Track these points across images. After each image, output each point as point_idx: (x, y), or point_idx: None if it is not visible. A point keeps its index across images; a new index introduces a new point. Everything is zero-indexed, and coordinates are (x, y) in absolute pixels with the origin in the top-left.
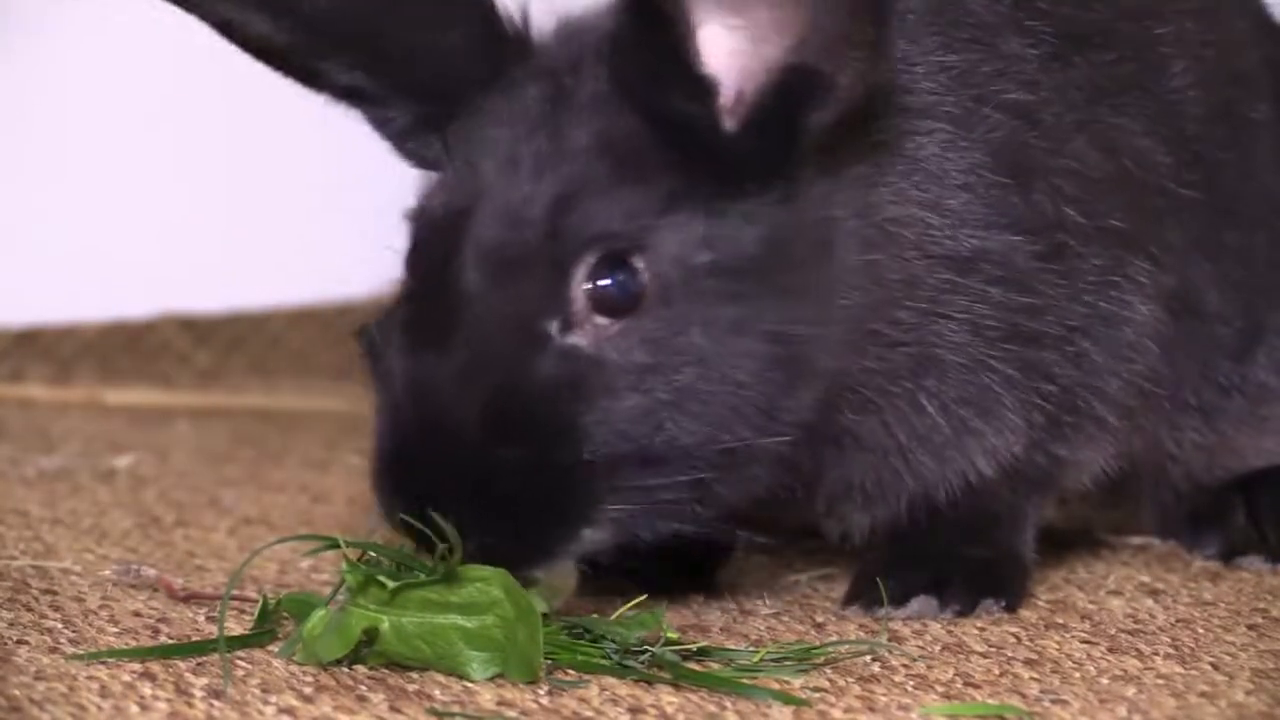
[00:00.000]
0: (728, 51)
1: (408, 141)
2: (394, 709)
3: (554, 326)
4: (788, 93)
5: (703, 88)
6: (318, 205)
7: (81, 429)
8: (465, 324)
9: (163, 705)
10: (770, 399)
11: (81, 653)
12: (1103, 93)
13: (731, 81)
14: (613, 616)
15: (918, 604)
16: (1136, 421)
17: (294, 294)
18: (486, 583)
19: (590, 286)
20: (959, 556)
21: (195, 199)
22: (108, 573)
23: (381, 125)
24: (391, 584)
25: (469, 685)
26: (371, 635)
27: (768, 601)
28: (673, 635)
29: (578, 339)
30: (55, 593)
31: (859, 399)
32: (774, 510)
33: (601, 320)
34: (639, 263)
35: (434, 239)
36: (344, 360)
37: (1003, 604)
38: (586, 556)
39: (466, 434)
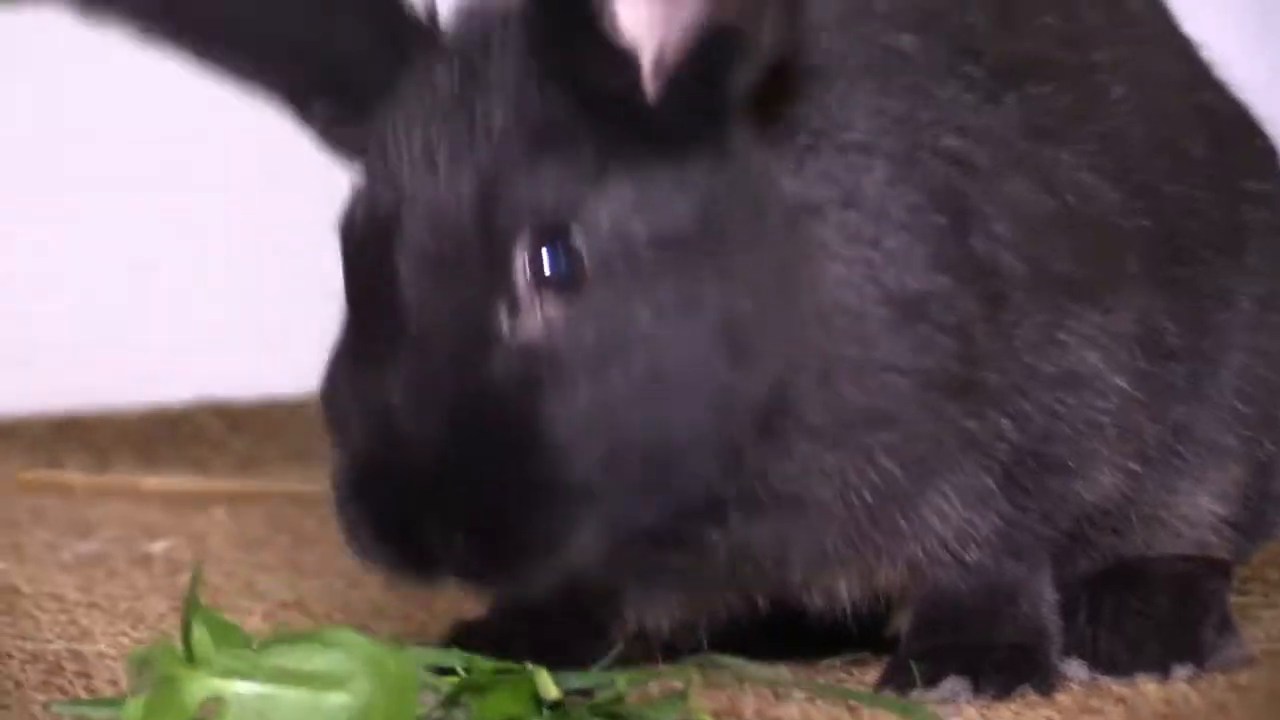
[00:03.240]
0: (645, 18)
1: (329, 135)
2: None
3: (501, 319)
4: (708, 54)
5: (622, 59)
6: None
7: (118, 515)
8: (409, 336)
9: None
10: (722, 382)
11: None
12: (1040, 129)
13: (650, 48)
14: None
15: (950, 684)
16: (1097, 480)
17: None
18: (348, 651)
19: (530, 266)
20: (990, 645)
21: (232, 287)
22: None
23: (305, 121)
24: (255, 643)
25: None
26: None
27: (802, 685)
28: (706, 718)
29: (528, 332)
30: (90, 676)
31: (812, 446)
32: (751, 584)
33: (548, 302)
34: (575, 237)
35: (363, 252)
36: None
37: (1039, 687)
38: (570, 577)
39: (428, 450)
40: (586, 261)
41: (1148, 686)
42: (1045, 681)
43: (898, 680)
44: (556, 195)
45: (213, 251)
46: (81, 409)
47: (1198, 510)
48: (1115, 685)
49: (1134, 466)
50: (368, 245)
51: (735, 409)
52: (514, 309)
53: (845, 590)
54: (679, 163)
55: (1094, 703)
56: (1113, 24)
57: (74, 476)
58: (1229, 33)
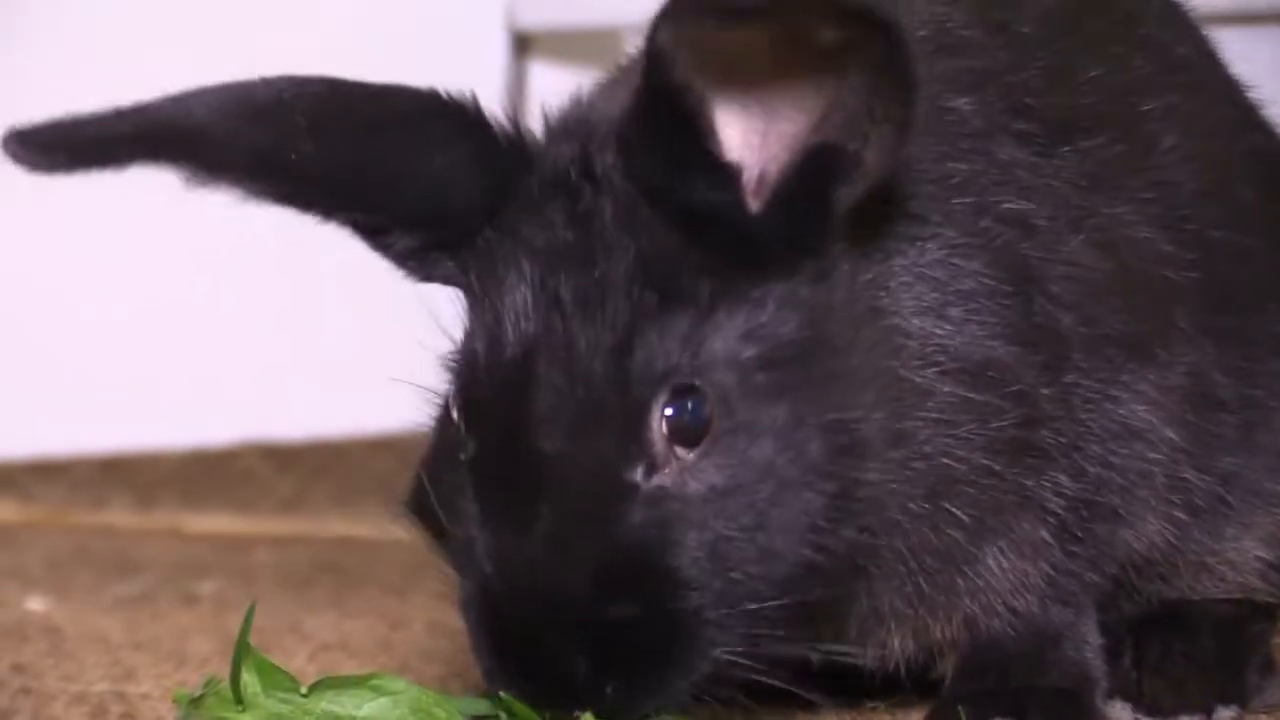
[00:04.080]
0: (747, 134)
1: (410, 261)
2: None
3: (638, 474)
4: (811, 171)
5: (726, 175)
6: (400, 334)
7: (163, 555)
8: (548, 488)
9: None
10: (839, 494)
11: None
12: (1095, 181)
13: (753, 164)
14: None
15: None
16: (1145, 529)
17: (375, 422)
18: (395, 697)
19: (667, 424)
20: (1035, 689)
21: (278, 327)
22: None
23: (381, 249)
24: (304, 689)
25: None
26: None
27: None
28: None
29: (662, 480)
30: (133, 717)
31: (883, 517)
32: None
33: (681, 453)
34: (702, 385)
35: (490, 396)
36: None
37: None
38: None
39: (575, 602)
40: (710, 407)
41: None
42: None
43: None
44: (684, 348)
45: (260, 291)
46: (126, 449)
47: (1243, 555)
48: None
49: (1182, 516)
50: (495, 391)
51: (855, 514)
52: (650, 461)
53: (899, 646)
54: (783, 280)
55: None
56: (1161, 71)
57: (119, 517)
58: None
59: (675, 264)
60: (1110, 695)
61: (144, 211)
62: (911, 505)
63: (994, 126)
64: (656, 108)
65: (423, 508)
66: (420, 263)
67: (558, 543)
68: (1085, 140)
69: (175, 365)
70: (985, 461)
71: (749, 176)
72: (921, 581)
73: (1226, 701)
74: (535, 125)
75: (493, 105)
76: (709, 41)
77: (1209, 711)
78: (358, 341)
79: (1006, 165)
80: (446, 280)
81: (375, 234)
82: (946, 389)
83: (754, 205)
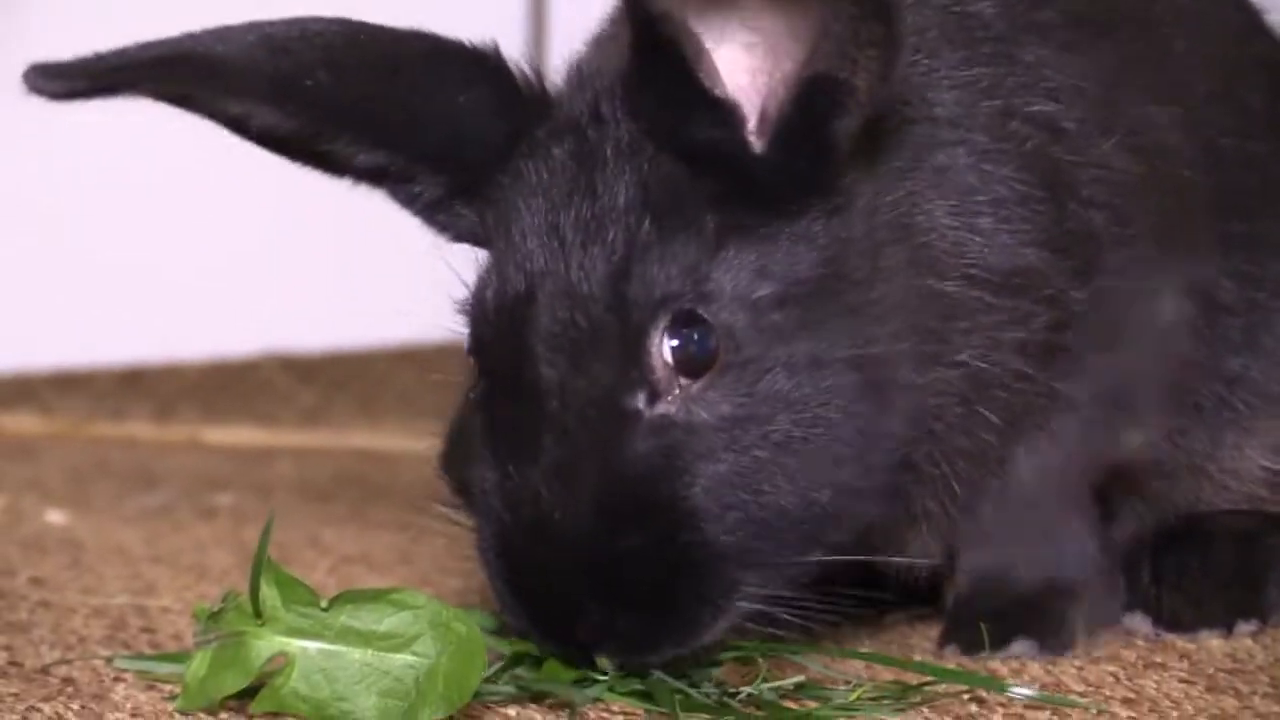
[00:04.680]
0: (744, 70)
1: (437, 214)
2: None
3: (640, 401)
4: (809, 104)
5: (725, 111)
6: (422, 244)
7: (183, 468)
8: (549, 419)
9: None
10: (865, 431)
11: (178, 691)
12: (1121, 80)
13: (753, 101)
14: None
15: (1019, 647)
16: (1150, 431)
17: (398, 333)
18: (416, 612)
19: (669, 351)
20: (1046, 609)
21: (298, 237)
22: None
23: (407, 202)
24: (324, 602)
25: None
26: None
27: (866, 641)
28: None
29: (666, 408)
30: (154, 630)
31: (916, 434)
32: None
33: (685, 382)
34: (706, 314)
35: (496, 333)
36: (447, 400)
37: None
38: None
39: (580, 533)
40: (717, 338)
41: (1212, 643)
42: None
43: (964, 639)
44: (685, 275)
45: (281, 201)
46: (146, 361)
47: (1247, 464)
48: (1179, 641)
49: (1184, 418)
50: (501, 326)
51: (885, 449)
52: (651, 388)
53: (924, 549)
54: (795, 217)
55: (1158, 658)
56: None
57: (139, 429)
58: None
59: (679, 196)
60: (1130, 608)
61: (165, 122)
62: (945, 415)
63: (1016, 26)
64: (653, 47)
65: (450, 463)
66: (446, 215)
67: (559, 474)
68: (1107, 36)
69: (195, 276)
70: (1018, 365)
71: (750, 115)
72: (954, 483)
73: (1247, 616)
74: (558, 77)
75: (514, 55)
76: None
77: (1229, 626)
78: (379, 252)
79: (1032, 66)
80: (472, 236)
81: (398, 183)
82: (979, 296)
83: (758, 145)
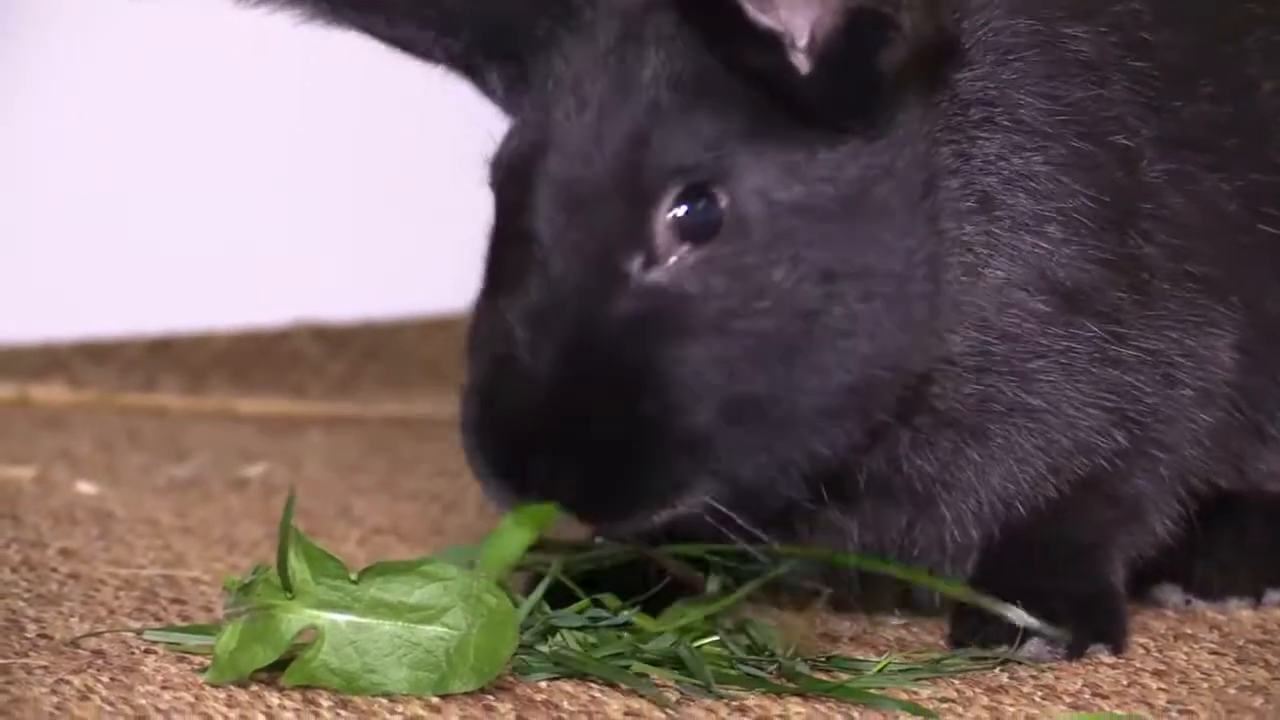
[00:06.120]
0: (790, 3)
1: (510, 99)
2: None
3: (635, 264)
4: (855, 35)
5: (771, 39)
6: (453, 214)
7: (213, 438)
8: (539, 265)
9: (289, 715)
10: (860, 356)
11: (208, 663)
12: (1197, 144)
13: (800, 28)
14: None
15: (1033, 646)
16: (1215, 459)
17: (428, 303)
18: (446, 584)
19: (673, 219)
20: (1062, 592)
21: (329, 207)
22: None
23: (484, 94)
24: (354, 575)
25: (596, 695)
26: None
27: (898, 612)
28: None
29: (658, 275)
30: (184, 602)
31: (954, 441)
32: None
33: (684, 248)
34: (719, 192)
35: (506, 186)
36: None
37: (1110, 648)
38: (674, 526)
39: (544, 377)
40: (726, 216)
41: (1241, 614)
42: (1115, 641)
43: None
44: (705, 151)
45: (312, 171)
46: (176, 330)
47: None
48: (1209, 612)
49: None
50: (511, 180)
51: (870, 387)
52: (649, 253)
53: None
54: (831, 139)
55: (1188, 629)
56: (1264, 4)
57: (169, 399)
58: None
59: (715, 84)
60: (1160, 578)
61: (195, 91)
62: (986, 429)
63: (1109, 61)
64: None
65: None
66: (486, 72)
67: (538, 318)
68: (1193, 91)
69: (226, 246)
70: (1068, 385)
71: (798, 40)
72: (991, 511)
73: (1276, 585)
74: None
75: None
76: None
77: (1258, 595)
78: (410, 223)
79: (1116, 102)
80: (504, 99)
81: (473, 74)
82: (1036, 311)
83: (805, 66)
